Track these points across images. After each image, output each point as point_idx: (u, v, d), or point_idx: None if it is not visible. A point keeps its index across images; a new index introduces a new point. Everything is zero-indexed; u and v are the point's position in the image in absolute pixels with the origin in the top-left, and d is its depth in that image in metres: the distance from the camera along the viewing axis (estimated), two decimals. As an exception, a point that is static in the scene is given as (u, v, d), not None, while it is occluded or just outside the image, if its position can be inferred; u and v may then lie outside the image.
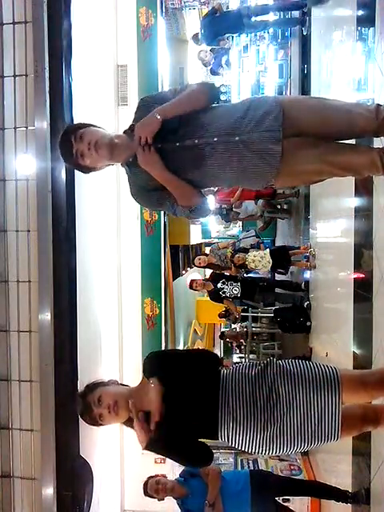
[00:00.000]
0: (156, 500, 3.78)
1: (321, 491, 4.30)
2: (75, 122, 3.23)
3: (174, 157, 2.05)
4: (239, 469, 5.83)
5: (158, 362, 2.13)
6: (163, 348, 6.38)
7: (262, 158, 2.01)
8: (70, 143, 2.03)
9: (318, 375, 1.99)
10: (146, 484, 3.74)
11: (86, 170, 2.14)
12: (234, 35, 8.00)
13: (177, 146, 2.04)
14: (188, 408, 1.98)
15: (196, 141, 2.02)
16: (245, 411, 1.97)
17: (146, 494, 3.75)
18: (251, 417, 1.96)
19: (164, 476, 3.81)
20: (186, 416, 1.98)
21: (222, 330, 12.92)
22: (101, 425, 2.08)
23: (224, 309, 9.17)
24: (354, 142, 2.30)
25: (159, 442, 1.99)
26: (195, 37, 8.81)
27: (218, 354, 11.52)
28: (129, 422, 2.09)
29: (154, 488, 3.68)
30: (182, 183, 2.08)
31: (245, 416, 1.96)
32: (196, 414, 1.98)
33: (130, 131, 2.11)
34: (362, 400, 2.15)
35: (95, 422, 2.06)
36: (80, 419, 2.15)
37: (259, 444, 1.98)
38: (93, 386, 2.10)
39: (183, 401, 1.99)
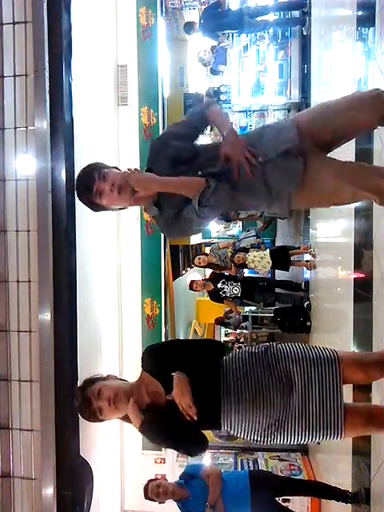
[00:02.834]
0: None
1: (321, 491, 4.30)
2: (75, 122, 3.23)
3: None
4: (239, 469, 5.83)
5: (156, 355, 2.13)
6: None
7: (284, 175, 1.97)
8: (93, 179, 2.01)
9: (318, 355, 2.00)
10: (146, 488, 3.73)
11: (99, 208, 2.11)
12: (234, 33, 7.99)
13: (199, 174, 2.01)
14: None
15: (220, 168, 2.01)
16: (246, 394, 1.97)
17: (147, 497, 3.74)
18: (253, 400, 1.96)
19: (164, 478, 3.82)
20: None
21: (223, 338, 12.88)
22: (99, 419, 2.07)
23: (221, 317, 9.07)
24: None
25: (156, 424, 1.99)
26: (188, 25, 8.45)
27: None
28: (127, 418, 2.09)
29: (155, 491, 3.68)
30: (180, 178, 2.04)
31: (246, 399, 1.96)
32: (198, 401, 1.97)
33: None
34: (359, 380, 2.18)
35: (94, 416, 2.05)
36: (80, 419, 2.14)
37: (261, 428, 1.97)
38: (92, 380, 2.10)
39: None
